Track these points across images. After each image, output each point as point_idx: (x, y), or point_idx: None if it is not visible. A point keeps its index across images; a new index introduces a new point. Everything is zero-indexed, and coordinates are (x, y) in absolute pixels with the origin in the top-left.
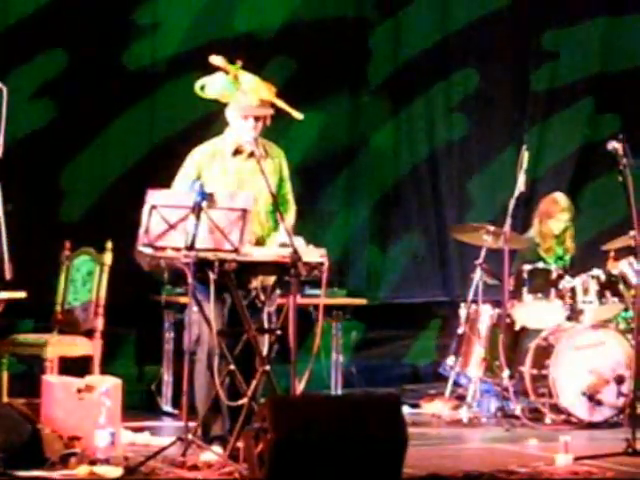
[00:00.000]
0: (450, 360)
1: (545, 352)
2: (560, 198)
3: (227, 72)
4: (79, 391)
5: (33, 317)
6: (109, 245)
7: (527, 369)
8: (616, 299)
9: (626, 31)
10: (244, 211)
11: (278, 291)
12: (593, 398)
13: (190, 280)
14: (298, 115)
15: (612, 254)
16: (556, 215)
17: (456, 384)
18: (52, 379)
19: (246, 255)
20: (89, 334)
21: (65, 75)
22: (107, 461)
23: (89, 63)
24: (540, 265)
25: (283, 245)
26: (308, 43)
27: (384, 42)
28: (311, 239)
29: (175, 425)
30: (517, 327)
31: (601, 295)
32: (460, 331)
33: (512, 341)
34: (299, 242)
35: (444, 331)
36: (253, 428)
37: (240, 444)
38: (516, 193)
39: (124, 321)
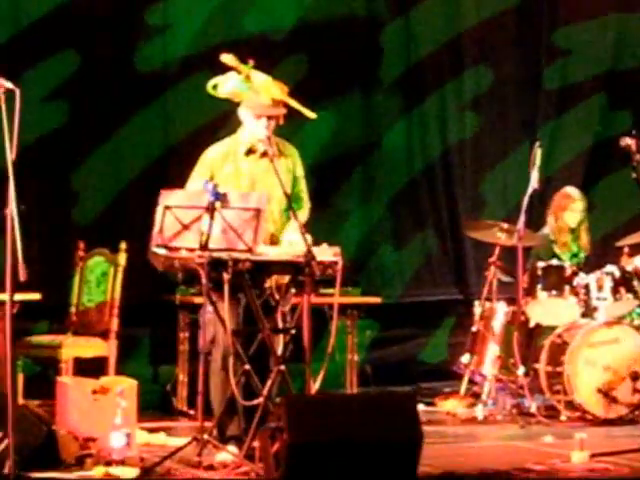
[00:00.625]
0: (465, 358)
1: (560, 349)
2: (572, 191)
3: (239, 71)
4: (94, 392)
5: (48, 319)
6: (123, 246)
7: (542, 366)
8: (630, 295)
9: (638, 28)
10: (258, 211)
11: (292, 290)
12: (608, 395)
13: (204, 280)
14: (311, 114)
15: (626, 250)
16: (570, 206)
17: (471, 382)
18: (67, 380)
19: (260, 255)
20: (104, 335)
21: (77, 77)
22: (123, 462)
23: (101, 64)
24: (554, 262)
25: (289, 243)
26: (320, 42)
27: (396, 40)
28: (325, 238)
29: (190, 425)
30: (531, 324)
31: (615, 291)
32: (474, 329)
33: (527, 338)
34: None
35: (458, 329)
36: (269, 428)
37: (256, 444)
38: (529, 190)
39: (139, 322)
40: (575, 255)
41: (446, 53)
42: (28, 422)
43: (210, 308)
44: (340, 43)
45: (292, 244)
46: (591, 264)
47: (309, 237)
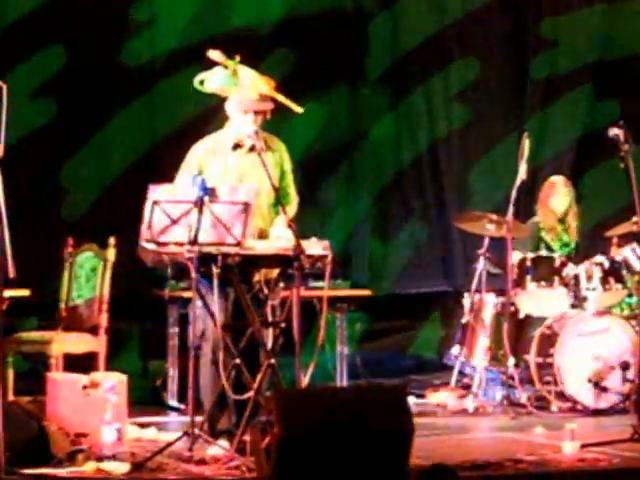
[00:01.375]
0: (455, 350)
1: (550, 340)
2: (556, 178)
3: (226, 67)
4: (84, 388)
5: (37, 315)
6: (112, 241)
7: (532, 357)
8: (620, 285)
9: (625, 18)
10: (246, 204)
11: (281, 284)
12: (598, 385)
13: (193, 275)
14: (298, 108)
15: (615, 240)
16: (554, 192)
17: (461, 374)
18: (57, 376)
19: (249, 249)
20: (93, 331)
21: (64, 72)
22: (114, 457)
23: (88, 60)
24: (543, 253)
25: (278, 237)
26: (306, 36)
27: (382, 33)
28: (314, 231)
29: (181, 420)
30: (521, 315)
31: (605, 282)
32: (464, 321)
33: (516, 330)
34: (289, 236)
35: (448, 321)
36: (259, 422)
37: (247, 438)
38: (518, 181)
39: (128, 317)
40: (566, 245)
41: (433, 45)
42: (18, 418)
43: (199, 302)
44: (327, 36)
45: (281, 238)
46: (580, 255)
47: (297, 231)
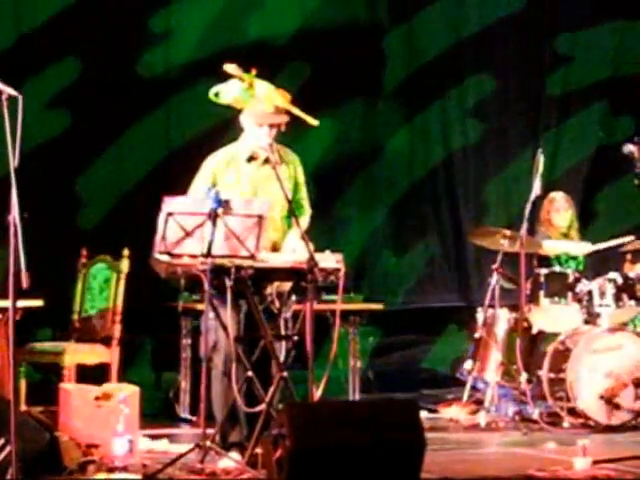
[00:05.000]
0: (467, 364)
1: (562, 356)
2: (554, 194)
3: (242, 80)
4: (97, 399)
5: (50, 325)
6: (126, 252)
7: (544, 373)
8: (633, 302)
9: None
10: (260, 217)
11: (294, 297)
12: (611, 401)
13: (207, 287)
14: (313, 121)
15: (629, 257)
16: (554, 207)
17: (474, 388)
18: (70, 387)
19: (262, 261)
20: (106, 342)
21: (80, 83)
22: (125, 469)
23: (103, 71)
24: (557, 269)
25: (292, 250)
26: (322, 49)
27: (398, 47)
28: (327, 244)
29: (193, 432)
30: (534, 331)
31: (618, 298)
32: (477, 335)
33: (529, 345)
34: (302, 249)
35: (461, 336)
36: (271, 434)
37: (258, 450)
38: (532, 197)
39: (141, 328)
40: (573, 258)
41: (448, 60)
42: (30, 428)
43: (212, 315)
44: (342, 50)
45: (294, 251)
46: (594, 271)
47: (311, 244)
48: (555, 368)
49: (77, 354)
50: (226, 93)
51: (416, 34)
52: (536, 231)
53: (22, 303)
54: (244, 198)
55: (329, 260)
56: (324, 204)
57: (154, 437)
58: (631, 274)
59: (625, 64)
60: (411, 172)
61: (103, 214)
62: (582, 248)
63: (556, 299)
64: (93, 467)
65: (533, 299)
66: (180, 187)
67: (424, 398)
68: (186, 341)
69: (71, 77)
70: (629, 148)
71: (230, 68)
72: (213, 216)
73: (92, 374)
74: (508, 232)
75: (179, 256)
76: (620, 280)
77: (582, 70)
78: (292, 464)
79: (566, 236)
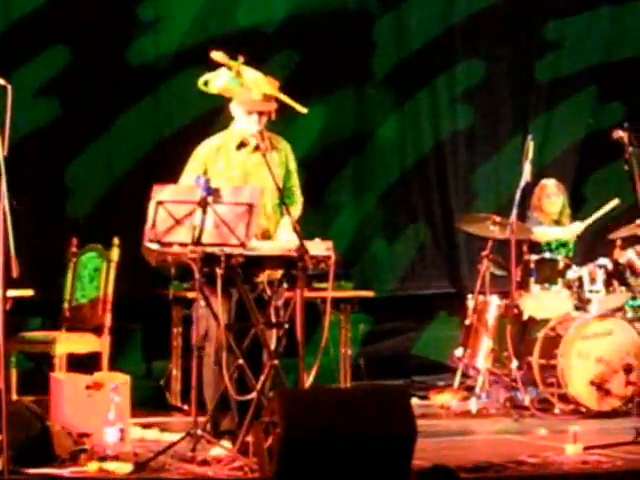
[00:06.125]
0: (458, 351)
1: (553, 342)
2: (548, 181)
3: (229, 68)
4: (88, 388)
5: (41, 314)
6: (116, 241)
7: (535, 359)
8: (623, 288)
9: (629, 20)
10: (250, 205)
11: (285, 285)
12: (602, 387)
13: (197, 275)
14: (302, 109)
15: (619, 243)
16: (544, 194)
17: (464, 375)
18: (61, 376)
19: (253, 249)
20: (97, 331)
21: (69, 72)
22: (116, 457)
23: (93, 59)
24: (547, 255)
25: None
26: (312, 36)
27: (388, 34)
28: (317, 232)
29: (184, 420)
30: (525, 317)
31: (608, 284)
32: (468, 322)
33: (520, 332)
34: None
35: (452, 322)
36: (262, 422)
37: (249, 438)
38: (522, 183)
39: (132, 317)
40: (563, 245)
41: (438, 46)
42: (22, 418)
43: (203, 303)
44: (332, 37)
45: (288, 242)
46: (584, 257)
47: (301, 231)
48: (546, 354)
49: (68, 343)
50: (215, 81)
51: (405, 21)
52: (527, 217)
53: (12, 292)
54: (234, 186)
55: (319, 247)
56: (314, 191)
57: (145, 426)
58: (621, 260)
59: (614, 50)
60: (401, 159)
61: (93, 203)
62: (574, 229)
63: (546, 285)
64: (84, 456)
65: (523, 285)
66: (170, 175)
67: (415, 385)
68: (177, 329)
69: (60, 66)
70: (619, 134)
71: (217, 56)
72: (203, 204)
73: (83, 363)
74: (498, 218)
75: (169, 244)
76: (610, 266)
77: (571, 56)
78: (283, 452)
79: (557, 222)
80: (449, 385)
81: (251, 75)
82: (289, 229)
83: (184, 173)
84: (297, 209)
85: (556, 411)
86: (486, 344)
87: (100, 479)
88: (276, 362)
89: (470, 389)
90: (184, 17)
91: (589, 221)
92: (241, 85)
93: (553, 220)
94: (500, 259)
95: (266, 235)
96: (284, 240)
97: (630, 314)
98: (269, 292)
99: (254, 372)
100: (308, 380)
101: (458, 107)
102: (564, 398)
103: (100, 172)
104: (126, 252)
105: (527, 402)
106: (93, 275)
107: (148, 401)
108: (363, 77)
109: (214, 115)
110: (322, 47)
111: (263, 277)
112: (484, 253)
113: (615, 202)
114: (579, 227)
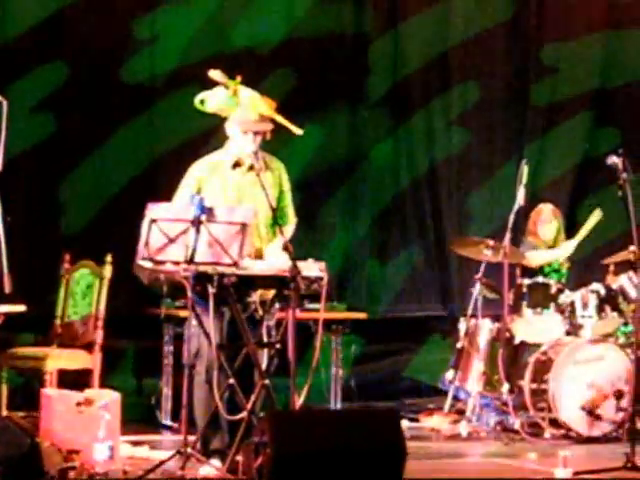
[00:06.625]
0: (449, 374)
1: (544, 366)
2: (542, 205)
3: (227, 87)
4: (78, 404)
5: (33, 330)
6: (109, 258)
7: (526, 383)
8: (615, 314)
9: (626, 45)
10: (243, 225)
11: (277, 305)
12: (592, 413)
13: (189, 294)
14: (297, 130)
15: (612, 268)
16: (540, 219)
17: (455, 398)
18: (51, 392)
19: (245, 269)
20: (88, 347)
21: (65, 89)
22: (106, 475)
23: (88, 76)
24: (539, 279)
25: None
26: (307, 58)
27: (383, 57)
28: (311, 253)
29: (174, 439)
30: (516, 341)
31: (600, 309)
32: (459, 345)
33: (511, 355)
34: (283, 258)
35: (443, 345)
36: (252, 442)
37: (239, 458)
38: (515, 207)
39: (124, 334)
40: (556, 271)
41: (433, 69)
42: (11, 433)
43: (195, 322)
44: (327, 58)
45: (277, 259)
46: (576, 282)
47: (285, 256)
48: (537, 379)
49: (59, 359)
50: (211, 100)
51: (401, 43)
52: (522, 242)
53: (4, 308)
54: (228, 205)
55: (312, 268)
56: (308, 212)
57: (135, 443)
58: (614, 285)
59: (611, 75)
60: (395, 181)
61: (87, 220)
62: (566, 249)
63: (539, 310)
64: (74, 473)
65: (516, 309)
66: (164, 193)
67: (406, 407)
68: (168, 348)
69: (56, 82)
70: (613, 160)
71: (215, 74)
72: (197, 223)
73: (74, 380)
74: (491, 242)
75: (162, 262)
76: (603, 291)
77: (567, 81)
78: (273, 472)
79: (552, 248)
80: (440, 408)
81: (248, 95)
82: (277, 250)
83: (178, 191)
84: (290, 229)
85: (546, 435)
86: (477, 367)
87: None
88: (267, 382)
89: (461, 412)
90: (180, 36)
91: (579, 237)
92: (237, 104)
93: (548, 246)
94: (493, 282)
95: (259, 255)
96: (272, 261)
97: (622, 340)
98: (261, 312)
99: (245, 391)
100: (299, 400)
101: (453, 130)
102: (555, 423)
103: (94, 189)
104: (119, 269)
105: (517, 426)
106: (85, 292)
107: (138, 419)
108: (358, 99)
109: (209, 135)
110: (317, 68)
111: (255, 297)
112: (477, 276)
113: (598, 213)
114: (571, 245)
